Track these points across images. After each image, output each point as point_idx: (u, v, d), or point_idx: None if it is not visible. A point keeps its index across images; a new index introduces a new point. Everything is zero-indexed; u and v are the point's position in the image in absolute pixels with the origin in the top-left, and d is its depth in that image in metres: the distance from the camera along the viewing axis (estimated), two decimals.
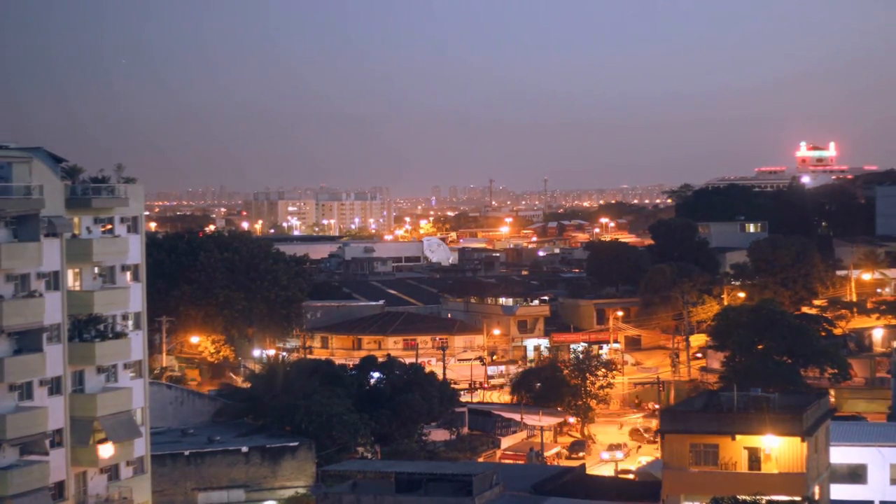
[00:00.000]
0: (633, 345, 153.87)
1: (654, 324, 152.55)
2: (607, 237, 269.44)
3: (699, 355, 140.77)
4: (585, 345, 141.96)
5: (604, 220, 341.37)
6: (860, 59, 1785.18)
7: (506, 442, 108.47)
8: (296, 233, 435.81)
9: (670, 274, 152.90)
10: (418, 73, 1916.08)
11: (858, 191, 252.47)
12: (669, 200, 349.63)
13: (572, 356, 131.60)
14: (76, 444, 69.12)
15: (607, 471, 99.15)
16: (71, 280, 69.86)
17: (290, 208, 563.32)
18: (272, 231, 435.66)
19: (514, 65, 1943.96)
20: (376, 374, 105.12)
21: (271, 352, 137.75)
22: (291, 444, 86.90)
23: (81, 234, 70.50)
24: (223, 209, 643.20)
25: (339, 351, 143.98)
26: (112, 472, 72.34)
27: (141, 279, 74.90)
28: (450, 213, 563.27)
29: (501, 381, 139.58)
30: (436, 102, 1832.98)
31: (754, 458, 68.83)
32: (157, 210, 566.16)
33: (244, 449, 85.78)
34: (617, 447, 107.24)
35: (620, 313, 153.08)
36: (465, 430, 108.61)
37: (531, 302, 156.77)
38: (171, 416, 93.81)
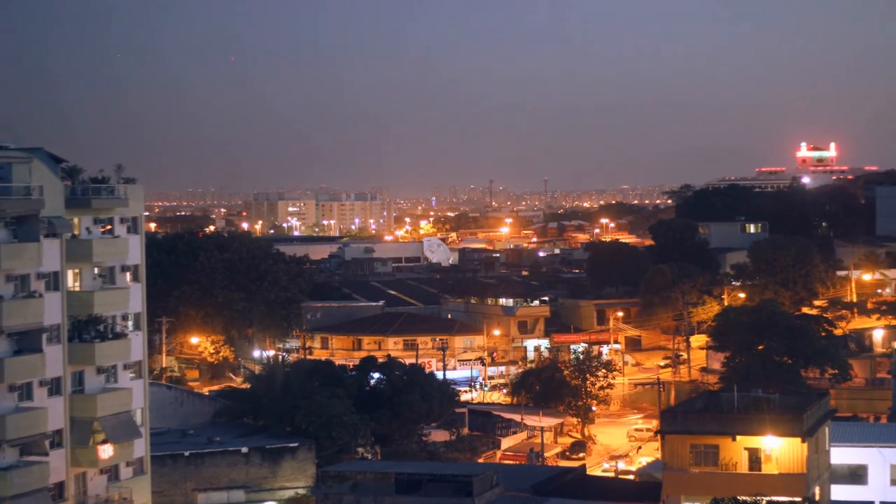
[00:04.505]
0: (634, 345, 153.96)
1: (654, 324, 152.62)
2: (607, 238, 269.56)
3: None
4: (586, 345, 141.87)
5: (604, 220, 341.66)
6: (861, 59, 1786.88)
7: (506, 442, 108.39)
8: (296, 233, 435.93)
9: (670, 274, 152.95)
10: (418, 73, 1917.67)
11: (859, 191, 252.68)
12: (670, 201, 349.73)
13: (572, 357, 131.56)
14: (76, 444, 69.08)
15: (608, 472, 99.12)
16: (71, 280, 69.82)
17: (290, 209, 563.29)
18: (272, 231, 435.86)
19: (514, 66, 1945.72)
20: (376, 375, 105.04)
21: (271, 352, 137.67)
22: (291, 445, 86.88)
23: (81, 234, 70.47)
24: (223, 209, 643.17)
25: (340, 351, 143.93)
26: (112, 472, 72.28)
27: (141, 279, 74.86)
28: (450, 214, 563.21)
29: (501, 381, 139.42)
30: (436, 103, 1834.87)
31: (755, 458, 68.75)
32: (156, 210, 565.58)
33: (244, 449, 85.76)
34: (620, 457, 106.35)
35: (620, 314, 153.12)
36: (466, 430, 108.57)
37: (531, 302, 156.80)
38: (170, 416, 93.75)
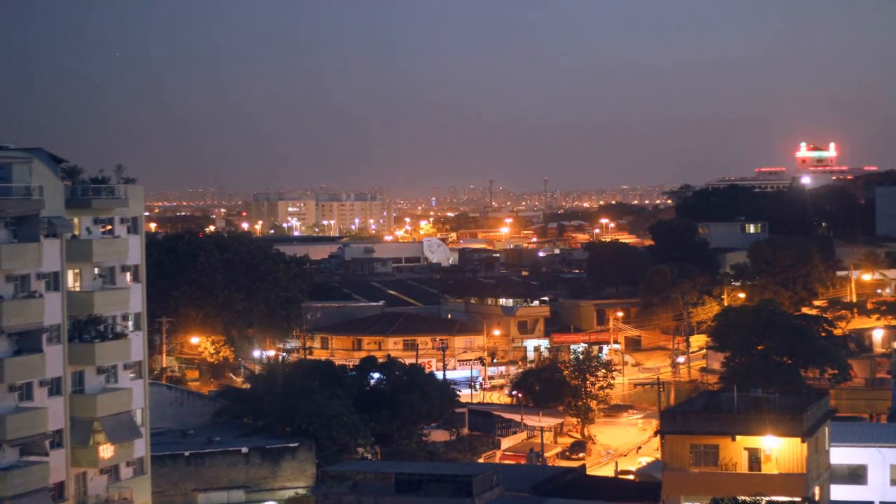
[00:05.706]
0: (634, 345, 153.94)
1: (654, 324, 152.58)
2: (607, 238, 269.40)
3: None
4: (585, 345, 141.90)
5: (604, 220, 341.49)
6: (861, 59, 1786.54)
7: (506, 443, 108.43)
8: (296, 233, 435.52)
9: (670, 274, 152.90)
10: (418, 73, 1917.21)
11: (858, 191, 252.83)
12: (669, 201, 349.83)
13: (572, 357, 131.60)
14: (76, 444, 69.06)
15: (607, 471, 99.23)
16: (71, 281, 69.80)
17: (290, 209, 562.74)
18: (272, 231, 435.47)
19: (514, 65, 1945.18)
20: (376, 375, 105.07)
21: (271, 352, 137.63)
22: (291, 445, 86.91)
23: (81, 234, 70.44)
24: (223, 210, 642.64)
25: (340, 352, 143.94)
26: (112, 472, 72.26)
27: (141, 280, 74.84)
28: (450, 214, 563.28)
29: (501, 381, 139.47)
30: (436, 103, 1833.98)
31: (754, 458, 68.79)
32: (156, 210, 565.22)
33: (244, 449, 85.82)
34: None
35: (620, 314, 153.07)
36: (465, 430, 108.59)
37: (531, 302, 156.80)
38: (170, 416, 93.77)
